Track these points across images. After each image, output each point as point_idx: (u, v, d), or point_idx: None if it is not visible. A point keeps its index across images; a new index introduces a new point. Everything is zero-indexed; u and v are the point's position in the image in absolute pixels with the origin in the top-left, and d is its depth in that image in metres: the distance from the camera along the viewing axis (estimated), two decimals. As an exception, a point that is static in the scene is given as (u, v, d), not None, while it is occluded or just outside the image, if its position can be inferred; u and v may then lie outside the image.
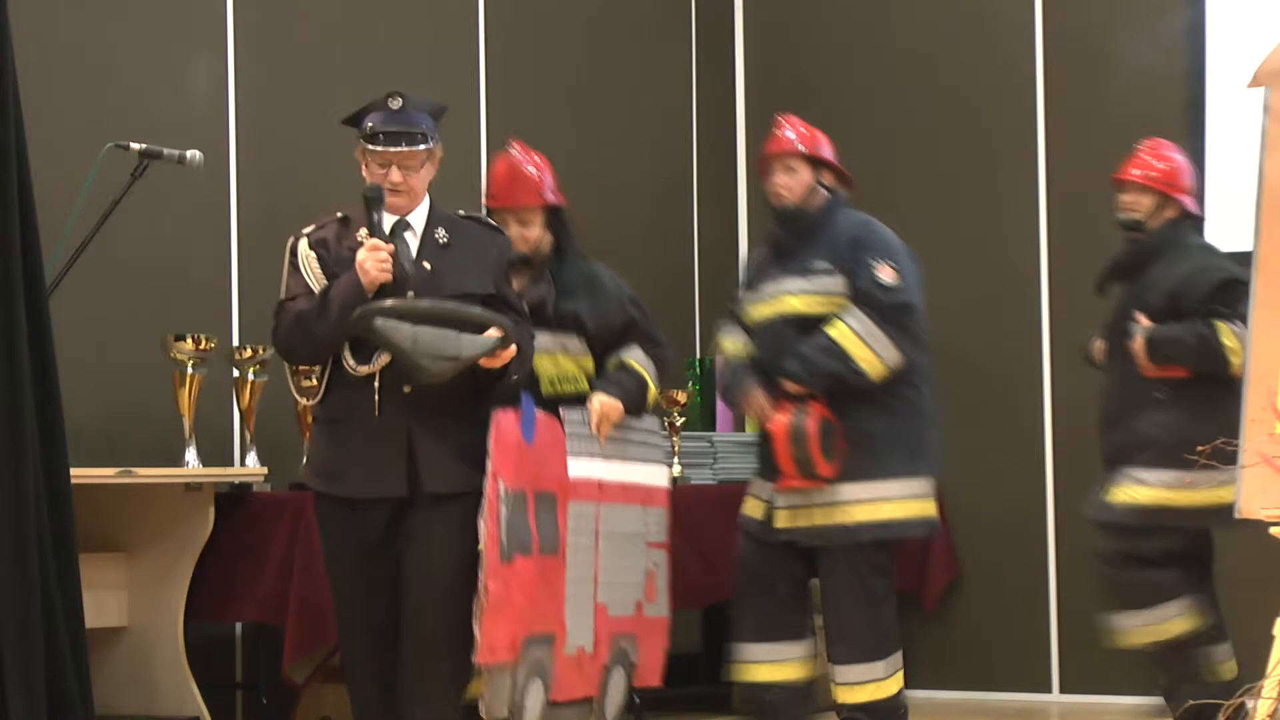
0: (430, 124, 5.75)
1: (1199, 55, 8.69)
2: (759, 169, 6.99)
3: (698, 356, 9.50)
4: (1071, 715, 8.57)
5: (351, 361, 5.61)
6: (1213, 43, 8.76)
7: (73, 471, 5.91)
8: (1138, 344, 7.00)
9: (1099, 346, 7.34)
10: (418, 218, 5.76)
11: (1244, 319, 6.27)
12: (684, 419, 8.68)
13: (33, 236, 6.04)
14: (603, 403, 6.42)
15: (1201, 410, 6.88)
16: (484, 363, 5.54)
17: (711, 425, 9.12)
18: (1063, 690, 8.78)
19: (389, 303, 5.47)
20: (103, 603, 6.95)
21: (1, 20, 6.48)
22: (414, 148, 5.67)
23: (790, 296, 6.81)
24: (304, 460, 6.68)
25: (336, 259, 5.67)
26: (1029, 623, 8.86)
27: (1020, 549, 8.91)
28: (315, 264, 5.70)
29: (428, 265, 5.68)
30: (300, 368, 6.35)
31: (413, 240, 5.72)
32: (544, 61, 9.17)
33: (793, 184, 6.83)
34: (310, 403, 5.92)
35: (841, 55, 9.50)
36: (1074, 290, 8.69)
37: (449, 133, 6.02)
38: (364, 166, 5.76)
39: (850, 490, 6.64)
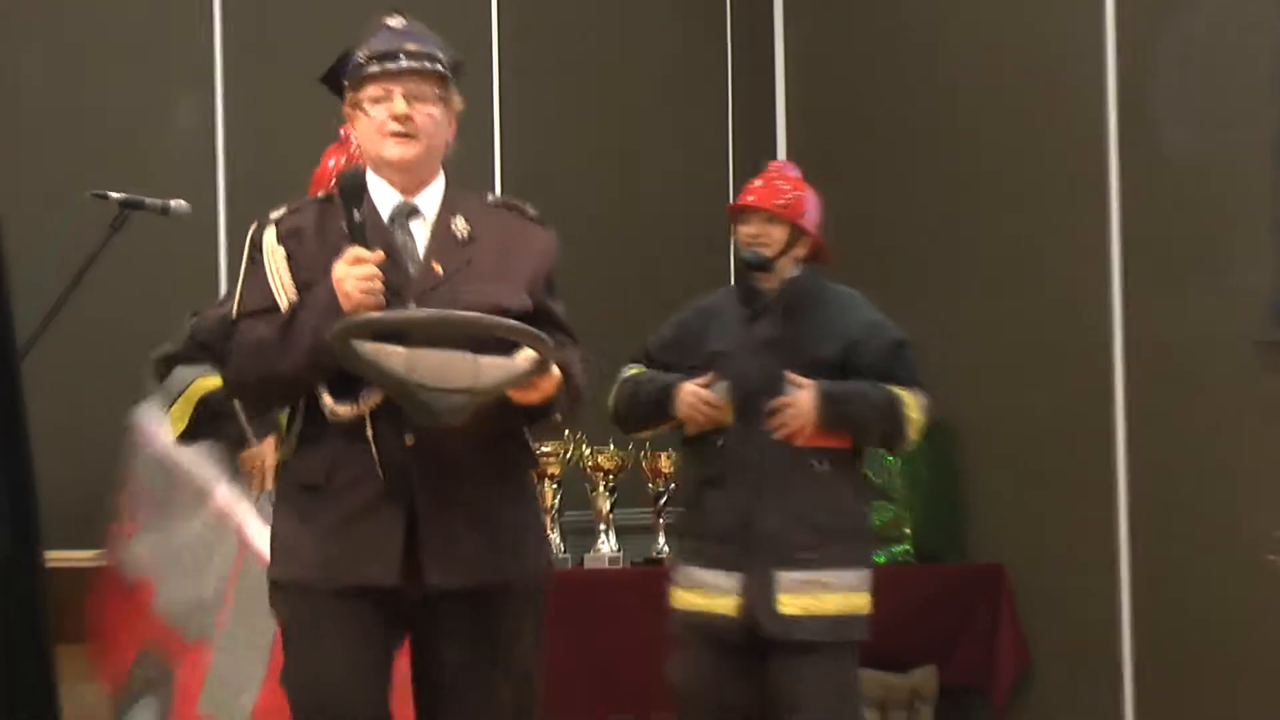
0: (444, 58, 4.57)
1: None
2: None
3: None
4: None
5: (330, 401, 4.33)
6: None
7: (47, 554, 5.85)
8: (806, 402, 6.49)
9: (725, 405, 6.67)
10: (429, 201, 4.48)
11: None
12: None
13: (3, 295, 6.04)
14: None
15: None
16: (517, 396, 4.30)
17: None
18: None
19: (370, 316, 4.22)
20: (84, 699, 6.80)
21: None
22: (425, 66, 4.46)
23: None
24: None
25: (312, 259, 4.39)
26: (1104, 708, 8.83)
27: (1094, 629, 8.88)
28: (283, 264, 4.40)
29: (439, 268, 4.37)
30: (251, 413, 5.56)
31: (421, 232, 4.44)
32: (565, 105, 9.21)
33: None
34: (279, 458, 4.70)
35: (889, 108, 9.58)
36: (1151, 347, 8.72)
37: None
38: (354, 130, 4.63)
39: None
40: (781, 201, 6.52)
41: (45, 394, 6.54)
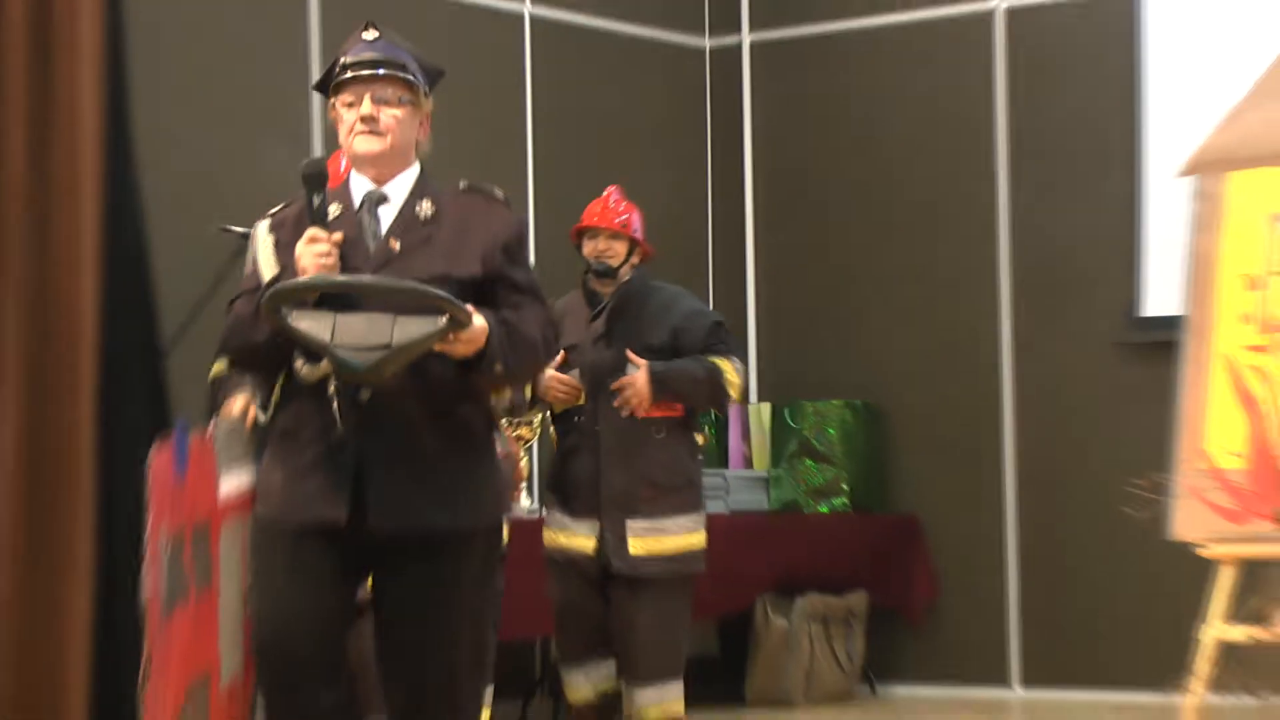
0: (415, 66, 4.18)
1: (1140, 141, 8.54)
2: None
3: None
4: (1034, 706, 8.44)
5: (300, 364, 3.98)
6: (1153, 156, 8.43)
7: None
8: (640, 381, 6.23)
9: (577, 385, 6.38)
10: (398, 188, 4.09)
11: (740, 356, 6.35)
12: (701, 457, 8.62)
13: (152, 310, 6.24)
14: None
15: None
16: (445, 350, 3.86)
17: (724, 464, 9.02)
18: (1025, 684, 8.76)
19: (286, 284, 3.86)
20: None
21: (125, 124, 6.64)
22: (391, 73, 4.08)
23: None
24: None
25: (291, 245, 4.02)
26: (994, 627, 8.83)
27: (987, 565, 8.89)
28: (271, 250, 4.04)
29: (395, 244, 3.99)
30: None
31: (387, 215, 4.05)
32: (585, 170, 9.04)
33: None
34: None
35: (835, 160, 9.37)
36: (1029, 344, 8.78)
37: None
38: (339, 126, 4.17)
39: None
40: (619, 220, 6.34)
41: (187, 390, 6.60)
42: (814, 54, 9.36)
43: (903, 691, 8.85)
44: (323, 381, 3.93)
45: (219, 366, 5.03)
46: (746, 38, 9.51)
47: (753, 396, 9.31)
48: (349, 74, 4.06)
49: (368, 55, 4.07)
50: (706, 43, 9.58)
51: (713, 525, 8.46)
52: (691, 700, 8.18)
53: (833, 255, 9.26)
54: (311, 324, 3.76)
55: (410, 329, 3.76)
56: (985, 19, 8.94)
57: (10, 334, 6.45)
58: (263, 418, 4.47)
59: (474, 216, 4.05)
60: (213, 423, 4.74)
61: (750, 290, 9.47)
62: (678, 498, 6.18)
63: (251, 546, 4.14)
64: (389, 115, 4.03)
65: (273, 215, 4.12)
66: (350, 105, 4.05)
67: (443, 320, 3.79)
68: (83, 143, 6.44)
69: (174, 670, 4.55)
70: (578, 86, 9.03)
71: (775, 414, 9.02)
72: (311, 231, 3.87)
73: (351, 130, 4.04)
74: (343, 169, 4.62)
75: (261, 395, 4.57)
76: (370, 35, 4.09)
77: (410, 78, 4.09)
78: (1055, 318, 8.67)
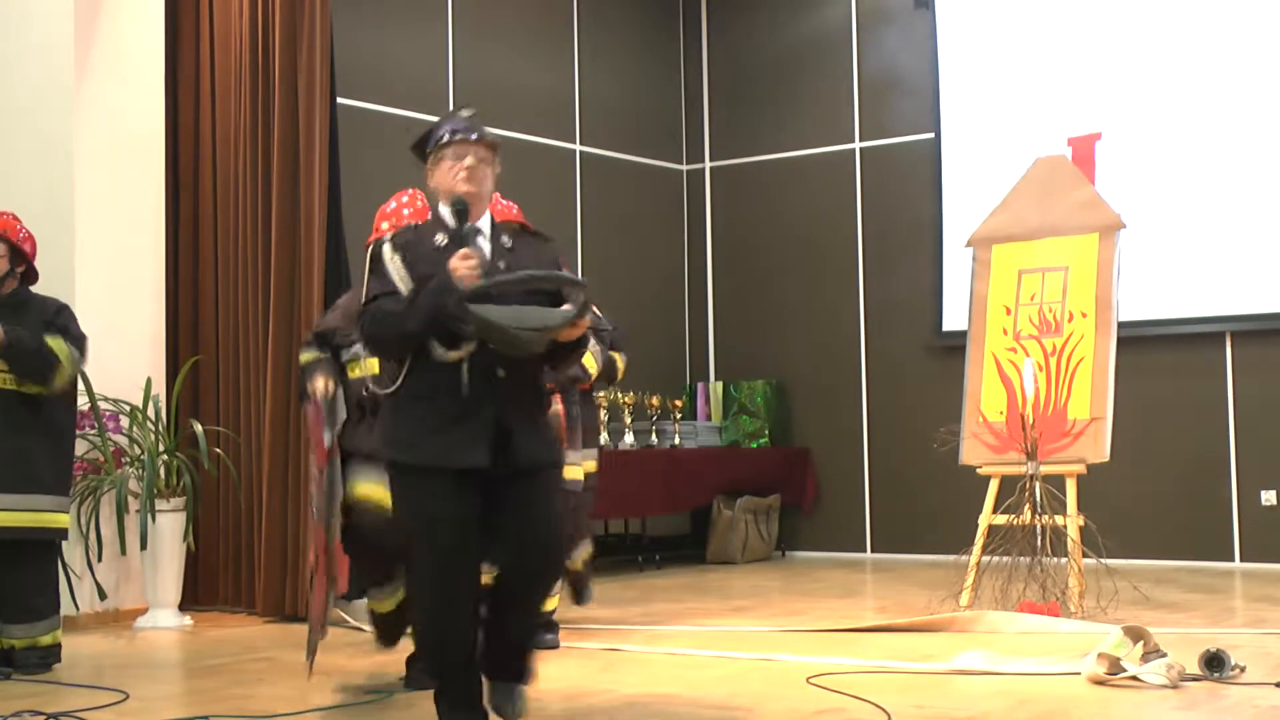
0: (493, 140, 3.63)
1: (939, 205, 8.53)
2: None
3: (686, 382, 9.21)
4: (879, 564, 8.24)
5: (440, 350, 3.37)
6: (948, 236, 8.29)
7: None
8: None
9: None
10: (484, 224, 3.56)
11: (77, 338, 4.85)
12: (682, 415, 8.56)
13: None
14: None
15: None
16: (564, 334, 3.38)
17: (694, 418, 8.85)
18: (874, 550, 8.71)
19: (481, 283, 3.32)
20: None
21: (334, 153, 6.22)
22: (491, 139, 3.56)
23: None
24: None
25: (418, 258, 3.45)
26: (854, 515, 8.74)
27: (850, 478, 8.80)
28: (400, 264, 3.44)
29: (502, 266, 3.46)
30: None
31: (484, 244, 3.52)
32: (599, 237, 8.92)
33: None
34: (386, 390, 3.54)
35: (763, 240, 9.14)
36: (878, 347, 8.69)
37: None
38: (432, 178, 3.59)
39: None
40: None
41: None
42: (751, 174, 9.21)
43: (800, 555, 8.79)
44: (456, 363, 3.37)
45: (308, 355, 4.35)
46: (709, 164, 9.40)
47: (711, 377, 9.26)
48: (459, 136, 3.53)
49: (468, 125, 3.55)
50: (684, 167, 9.44)
51: (687, 456, 8.60)
52: (672, 561, 8.22)
53: (761, 296, 9.16)
54: (495, 313, 3.27)
55: (556, 315, 3.34)
56: (850, 155, 8.88)
57: (276, 321, 6.15)
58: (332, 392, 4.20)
59: (534, 249, 3.58)
60: (315, 393, 4.21)
61: (710, 316, 9.40)
62: None
63: (404, 487, 3.44)
64: (486, 172, 3.55)
65: (391, 240, 3.52)
66: (456, 159, 3.51)
67: (574, 310, 3.34)
68: (314, 221, 6.13)
69: (324, 571, 4.10)
70: (602, 194, 8.90)
71: (725, 389, 8.97)
72: (465, 250, 3.36)
73: (456, 176, 3.51)
74: (392, 207, 4.30)
75: (334, 376, 4.25)
76: (468, 112, 3.63)
77: (497, 152, 3.59)
78: (892, 332, 8.68)
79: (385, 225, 4.28)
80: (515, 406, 3.43)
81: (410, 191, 4.42)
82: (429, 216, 3.65)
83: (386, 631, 4.40)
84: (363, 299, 3.51)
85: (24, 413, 4.74)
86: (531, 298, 3.39)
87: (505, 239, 3.54)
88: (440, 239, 3.50)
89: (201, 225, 6.58)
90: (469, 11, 8.10)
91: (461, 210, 3.50)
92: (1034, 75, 8.23)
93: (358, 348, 4.25)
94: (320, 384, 4.25)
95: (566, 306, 3.38)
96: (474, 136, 3.54)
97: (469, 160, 3.52)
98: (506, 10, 8.34)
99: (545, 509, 3.45)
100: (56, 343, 4.74)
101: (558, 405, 4.52)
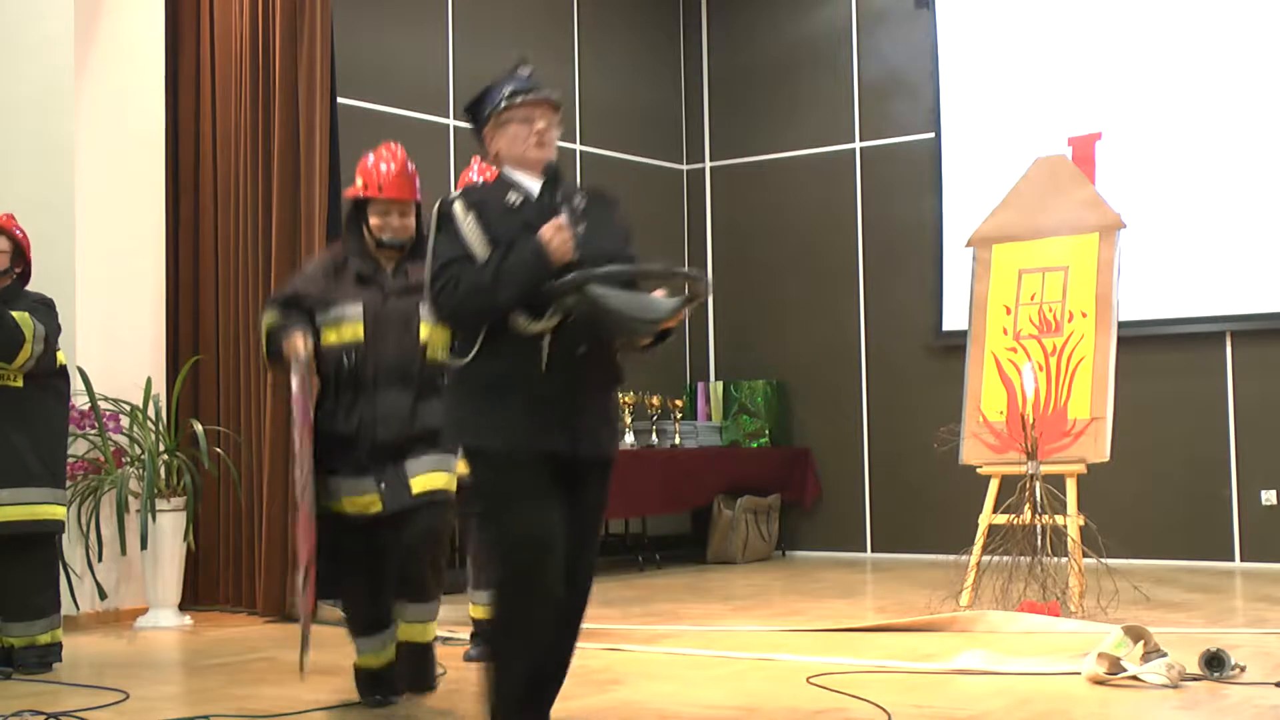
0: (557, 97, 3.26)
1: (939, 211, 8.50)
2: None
3: (686, 382, 9.18)
4: (878, 563, 8.27)
5: (523, 320, 3.00)
6: (948, 237, 8.29)
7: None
8: None
9: None
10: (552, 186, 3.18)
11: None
12: (683, 415, 8.57)
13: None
14: None
15: None
16: (666, 323, 3.04)
17: (695, 417, 8.84)
18: (874, 550, 8.71)
19: (609, 269, 2.96)
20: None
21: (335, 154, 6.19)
22: (556, 99, 3.21)
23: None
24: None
25: (492, 219, 3.08)
26: (854, 515, 8.72)
27: (850, 478, 8.86)
28: (475, 224, 3.05)
29: (580, 228, 3.09)
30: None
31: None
32: None
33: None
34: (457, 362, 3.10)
35: (764, 240, 9.11)
36: (878, 348, 8.69)
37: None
38: (494, 143, 3.19)
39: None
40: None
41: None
42: (751, 174, 9.18)
43: (800, 554, 8.75)
44: (534, 336, 3.02)
45: (273, 317, 3.79)
46: (709, 164, 9.38)
47: (711, 377, 9.25)
48: (520, 98, 3.16)
49: (532, 84, 3.19)
50: (684, 167, 9.43)
51: (688, 455, 8.59)
52: (673, 561, 8.23)
53: (761, 296, 9.11)
54: (612, 299, 2.95)
55: (666, 305, 3.03)
56: (850, 155, 8.87)
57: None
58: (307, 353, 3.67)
59: (605, 209, 3.23)
60: (295, 354, 3.68)
61: (710, 316, 9.37)
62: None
63: (484, 475, 3.06)
64: (553, 134, 3.20)
65: (463, 198, 3.12)
66: (524, 122, 3.16)
67: (684, 299, 3.03)
68: (314, 221, 6.13)
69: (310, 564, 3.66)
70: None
71: (725, 388, 8.95)
72: (559, 221, 3.02)
73: (527, 140, 3.16)
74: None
75: (311, 334, 3.72)
76: (526, 70, 3.24)
77: (560, 103, 3.25)
78: (892, 332, 8.64)
79: None
80: (593, 387, 3.11)
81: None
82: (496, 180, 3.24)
83: (373, 687, 3.89)
84: (431, 261, 3.08)
85: (14, 407, 4.70)
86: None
87: (578, 200, 3.18)
88: (513, 198, 3.14)
89: (201, 225, 6.59)
90: (469, 11, 8.11)
91: (553, 178, 3.15)
92: (1034, 75, 8.22)
93: (342, 309, 3.76)
94: (299, 343, 3.70)
95: (659, 293, 3.05)
96: (540, 96, 3.18)
97: (540, 124, 3.17)
98: (506, 10, 8.35)
99: (596, 518, 3.15)
100: (22, 317, 4.66)
101: None
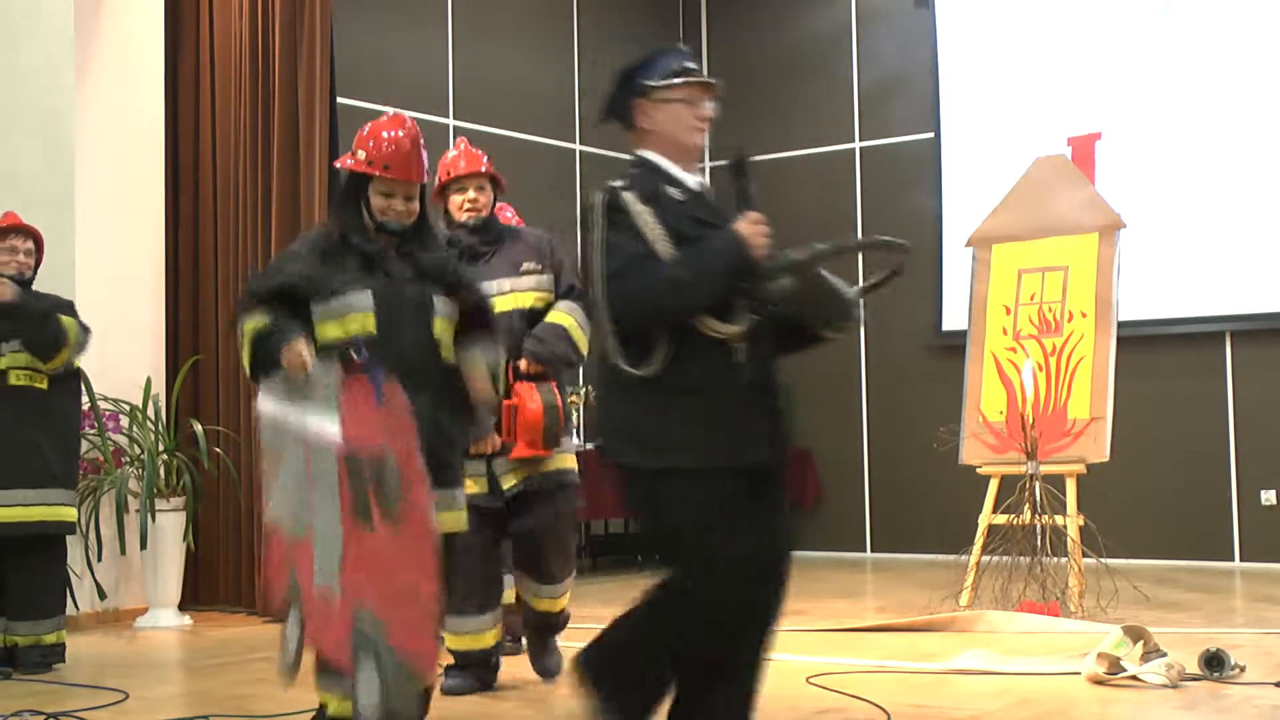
0: None
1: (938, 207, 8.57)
2: (437, 192, 4.20)
3: None
4: (878, 563, 8.29)
5: (716, 323, 2.76)
6: (948, 236, 8.30)
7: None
8: None
9: None
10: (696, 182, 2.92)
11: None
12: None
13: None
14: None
15: None
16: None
17: None
18: (874, 550, 8.74)
19: (824, 246, 2.77)
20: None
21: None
22: (715, 84, 2.92)
23: (520, 293, 4.13)
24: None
25: (669, 214, 2.79)
26: (854, 515, 8.77)
27: (850, 477, 8.88)
28: (653, 219, 2.75)
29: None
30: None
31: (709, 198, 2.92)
32: None
33: (483, 199, 4.20)
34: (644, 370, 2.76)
35: (771, 224, 9.38)
36: (879, 347, 8.65)
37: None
38: (649, 117, 2.88)
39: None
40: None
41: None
42: (757, 173, 9.33)
43: (800, 554, 8.68)
44: (722, 341, 2.78)
45: (258, 322, 3.14)
46: (709, 164, 9.20)
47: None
48: (687, 79, 2.88)
49: (693, 64, 2.91)
50: None
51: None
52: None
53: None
54: (839, 284, 2.79)
55: (858, 290, 2.86)
56: (850, 155, 8.87)
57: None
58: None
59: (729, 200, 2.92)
60: (296, 367, 3.03)
61: None
62: None
63: (677, 493, 2.76)
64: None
65: (630, 190, 2.81)
66: (694, 104, 2.88)
67: (869, 284, 2.90)
68: (315, 221, 6.29)
69: (378, 585, 2.92)
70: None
71: None
72: (757, 215, 2.81)
73: (691, 125, 2.89)
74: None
75: (311, 341, 3.12)
76: (687, 49, 2.97)
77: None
78: (892, 332, 8.61)
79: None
80: (778, 390, 2.88)
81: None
82: (640, 169, 2.88)
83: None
84: (606, 256, 2.75)
85: (38, 408, 4.79)
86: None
87: (753, 190, 2.92)
88: (675, 193, 2.84)
89: (201, 224, 6.59)
90: (469, 11, 8.11)
91: (742, 167, 2.87)
92: (1034, 75, 8.23)
93: (347, 298, 3.16)
94: (305, 352, 3.06)
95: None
96: (707, 80, 2.89)
97: (708, 109, 2.90)
98: (506, 10, 8.35)
99: (788, 511, 2.94)
100: (68, 320, 4.81)
101: (554, 394, 4.10)
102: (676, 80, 2.87)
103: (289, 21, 6.29)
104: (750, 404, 2.81)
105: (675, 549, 2.81)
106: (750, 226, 2.80)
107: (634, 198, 2.78)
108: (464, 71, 8.05)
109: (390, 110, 3.45)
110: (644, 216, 2.77)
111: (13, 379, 4.75)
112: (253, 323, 3.16)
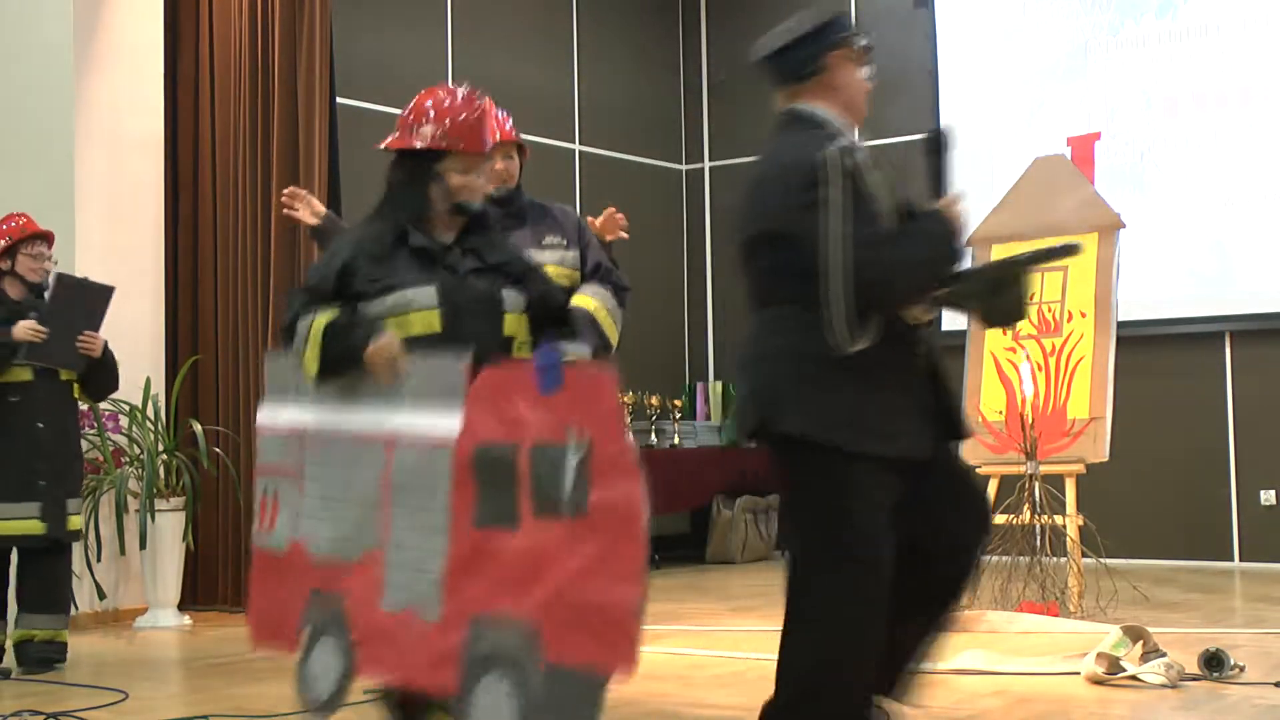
0: None
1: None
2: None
3: (685, 382, 9.16)
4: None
5: (917, 310, 2.69)
6: None
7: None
8: None
9: None
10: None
11: None
12: (681, 415, 8.57)
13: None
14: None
15: None
16: None
17: (694, 417, 8.78)
18: None
19: (1045, 246, 2.76)
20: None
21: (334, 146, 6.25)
22: None
23: (548, 267, 3.57)
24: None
25: (882, 189, 2.67)
26: None
27: None
28: (884, 188, 2.67)
29: None
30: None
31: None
32: None
33: (512, 168, 3.83)
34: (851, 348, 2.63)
35: None
36: None
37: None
38: (834, 75, 2.87)
39: None
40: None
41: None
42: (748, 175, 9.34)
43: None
44: (915, 325, 2.70)
45: (332, 315, 2.89)
46: (708, 164, 9.37)
47: (711, 377, 9.24)
48: (870, 50, 2.84)
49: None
50: (684, 167, 9.40)
51: (687, 455, 8.60)
52: (672, 561, 8.18)
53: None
54: (1024, 289, 2.68)
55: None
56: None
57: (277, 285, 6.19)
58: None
59: None
60: (386, 360, 2.80)
61: (710, 316, 9.40)
62: None
63: (852, 485, 2.66)
64: None
65: (855, 154, 2.67)
66: (867, 73, 2.83)
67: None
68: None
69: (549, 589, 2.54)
70: (602, 194, 8.80)
71: (724, 388, 8.88)
72: (955, 194, 2.68)
73: (864, 94, 2.87)
74: None
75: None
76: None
77: None
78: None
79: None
80: (948, 378, 2.79)
81: None
82: (819, 129, 2.74)
83: None
84: (845, 223, 2.57)
85: (74, 417, 5.05)
86: None
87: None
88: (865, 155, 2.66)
89: (201, 225, 6.60)
90: (469, 11, 8.12)
91: (941, 143, 2.75)
92: (1034, 75, 8.23)
93: (406, 295, 2.87)
94: (396, 347, 2.80)
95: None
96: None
97: (871, 81, 2.79)
98: (506, 10, 8.36)
99: (961, 462, 2.90)
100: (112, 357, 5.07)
101: None
102: (864, 46, 2.81)
103: (289, 21, 6.30)
104: (923, 394, 2.74)
105: (832, 534, 2.67)
106: (950, 205, 2.67)
107: (868, 161, 2.62)
108: (463, 72, 8.04)
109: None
110: (878, 185, 2.62)
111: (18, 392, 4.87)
112: (323, 317, 2.89)
